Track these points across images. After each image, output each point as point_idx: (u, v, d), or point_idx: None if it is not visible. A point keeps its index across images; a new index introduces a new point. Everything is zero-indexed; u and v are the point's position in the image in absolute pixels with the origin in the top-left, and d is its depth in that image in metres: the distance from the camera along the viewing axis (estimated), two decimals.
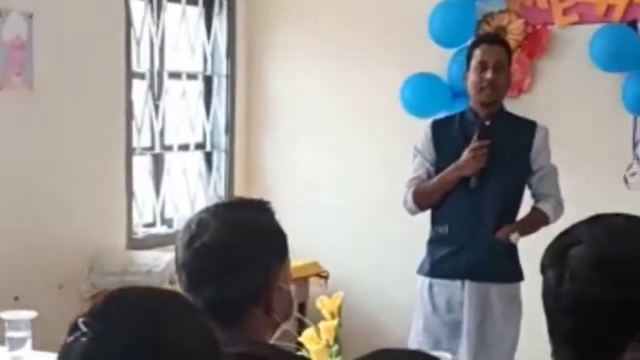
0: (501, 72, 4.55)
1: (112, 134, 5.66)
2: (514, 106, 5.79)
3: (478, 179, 4.51)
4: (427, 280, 4.66)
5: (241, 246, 2.11)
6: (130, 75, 5.77)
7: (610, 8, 5.52)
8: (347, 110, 6.36)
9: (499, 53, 4.58)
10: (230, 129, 6.63)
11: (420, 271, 4.72)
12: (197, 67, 6.50)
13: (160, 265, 5.26)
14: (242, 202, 2.29)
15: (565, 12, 5.66)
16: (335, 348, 3.31)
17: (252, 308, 2.13)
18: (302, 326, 3.79)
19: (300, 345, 3.39)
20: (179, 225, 5.94)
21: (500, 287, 4.57)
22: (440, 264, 4.61)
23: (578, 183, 5.61)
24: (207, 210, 2.18)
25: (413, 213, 4.73)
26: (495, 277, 4.55)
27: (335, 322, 3.30)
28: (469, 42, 4.83)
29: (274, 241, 2.18)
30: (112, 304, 1.44)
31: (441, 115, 5.09)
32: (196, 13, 6.42)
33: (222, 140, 6.63)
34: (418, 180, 4.64)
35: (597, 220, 1.87)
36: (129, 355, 1.36)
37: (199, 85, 6.51)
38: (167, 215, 6.24)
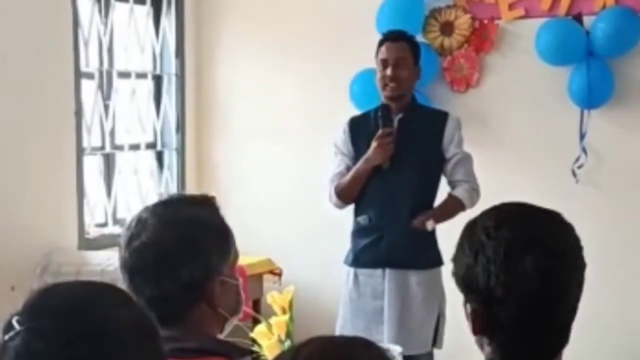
0: (402, 68, 4.76)
1: (61, 134, 5.62)
2: (462, 101, 5.86)
3: (390, 163, 4.69)
4: (352, 270, 4.84)
5: (178, 243, 2.11)
6: (79, 75, 5.74)
7: (555, 2, 5.57)
8: (297, 107, 6.37)
9: (400, 49, 4.79)
10: (180, 128, 6.62)
11: (346, 261, 4.91)
12: (146, 66, 6.48)
13: (113, 264, 5.24)
14: (182, 199, 2.28)
15: (511, 6, 5.70)
16: (288, 343, 3.33)
17: (195, 303, 2.13)
18: (256, 322, 3.81)
19: (254, 341, 3.41)
20: None
21: (419, 273, 4.75)
22: (362, 254, 4.81)
23: (526, 176, 5.67)
24: (147, 208, 2.18)
25: (338, 207, 4.91)
26: (413, 264, 4.74)
27: (286, 317, 3.32)
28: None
29: (213, 235, 2.17)
30: (44, 299, 1.43)
31: None
32: (144, 12, 6.40)
33: (173, 138, 6.62)
34: (339, 175, 4.83)
35: (532, 224, 1.87)
36: (62, 350, 1.36)
37: (148, 84, 6.49)
38: (119, 215, 6.21)
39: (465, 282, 1.83)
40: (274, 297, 3.39)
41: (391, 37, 4.85)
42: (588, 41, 5.40)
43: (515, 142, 5.79)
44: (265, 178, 6.50)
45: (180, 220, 2.15)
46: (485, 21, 5.78)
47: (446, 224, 4.74)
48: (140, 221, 2.14)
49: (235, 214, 6.52)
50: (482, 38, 5.79)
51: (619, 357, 5.58)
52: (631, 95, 5.49)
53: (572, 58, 5.46)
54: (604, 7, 5.44)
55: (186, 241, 2.12)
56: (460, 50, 5.84)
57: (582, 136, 5.55)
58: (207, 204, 2.22)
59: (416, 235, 4.71)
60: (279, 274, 6.17)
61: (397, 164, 4.70)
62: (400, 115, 4.76)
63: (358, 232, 4.84)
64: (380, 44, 4.83)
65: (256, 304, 5.89)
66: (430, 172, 4.80)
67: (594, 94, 5.38)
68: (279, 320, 3.34)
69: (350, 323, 4.78)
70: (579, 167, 5.56)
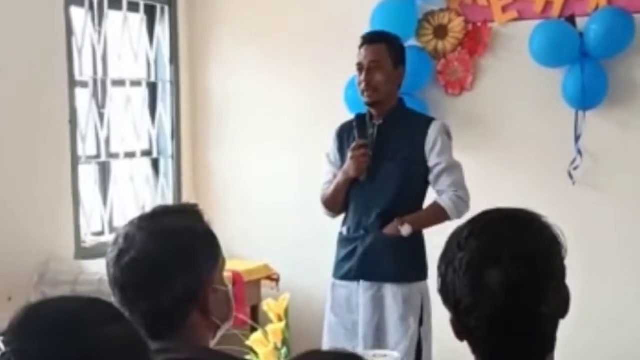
0: (377, 72, 4.53)
1: (56, 142, 5.61)
2: (457, 104, 5.86)
3: (367, 174, 4.54)
4: (335, 281, 4.72)
5: (169, 255, 2.11)
6: (73, 83, 5.73)
7: (548, 4, 5.58)
8: (292, 113, 6.37)
9: (375, 52, 4.56)
10: (175, 135, 6.61)
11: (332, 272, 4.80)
12: (140, 73, 6.48)
13: None
14: (166, 210, 2.27)
15: (505, 8, 5.71)
16: (284, 350, 3.33)
17: (189, 313, 2.13)
18: (253, 330, 3.81)
19: (251, 349, 3.41)
20: None
21: (394, 287, 4.51)
22: (340, 265, 4.68)
23: (523, 179, 5.68)
24: (132, 223, 2.17)
25: (329, 216, 4.83)
26: (387, 277, 4.52)
27: (282, 325, 3.32)
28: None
29: (201, 244, 2.17)
30: (30, 318, 1.40)
31: None
32: (138, 19, 6.39)
33: (168, 146, 6.61)
34: (327, 185, 4.72)
35: (501, 234, 1.85)
36: None
37: (143, 92, 6.48)
38: (116, 223, 6.20)
39: (440, 292, 1.86)
40: (269, 305, 3.40)
41: (367, 39, 4.65)
42: (581, 42, 5.41)
43: (511, 144, 5.79)
44: (262, 184, 6.49)
45: (168, 231, 2.15)
46: (479, 24, 5.79)
47: (435, 235, 4.65)
48: (127, 237, 2.13)
49: (231, 220, 6.52)
50: (475, 41, 5.80)
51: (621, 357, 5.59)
52: (625, 95, 5.49)
53: (565, 59, 5.47)
54: (596, 8, 5.45)
55: (176, 252, 2.12)
56: (454, 54, 5.84)
57: (577, 138, 5.55)
58: (191, 212, 2.22)
59: (394, 246, 4.50)
60: (277, 280, 6.16)
61: (374, 173, 4.54)
62: (379, 122, 4.59)
63: (339, 243, 4.73)
64: (360, 46, 4.63)
65: (254, 311, 5.88)
66: (412, 180, 4.57)
67: (588, 95, 5.39)
68: (275, 328, 3.34)
69: (333, 334, 4.64)
70: (575, 169, 5.56)
